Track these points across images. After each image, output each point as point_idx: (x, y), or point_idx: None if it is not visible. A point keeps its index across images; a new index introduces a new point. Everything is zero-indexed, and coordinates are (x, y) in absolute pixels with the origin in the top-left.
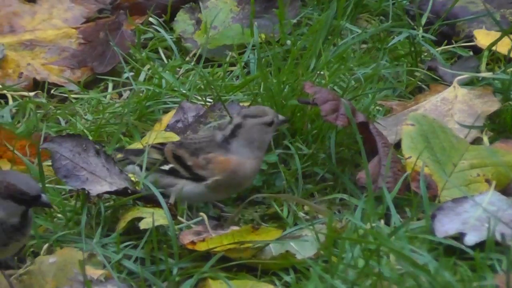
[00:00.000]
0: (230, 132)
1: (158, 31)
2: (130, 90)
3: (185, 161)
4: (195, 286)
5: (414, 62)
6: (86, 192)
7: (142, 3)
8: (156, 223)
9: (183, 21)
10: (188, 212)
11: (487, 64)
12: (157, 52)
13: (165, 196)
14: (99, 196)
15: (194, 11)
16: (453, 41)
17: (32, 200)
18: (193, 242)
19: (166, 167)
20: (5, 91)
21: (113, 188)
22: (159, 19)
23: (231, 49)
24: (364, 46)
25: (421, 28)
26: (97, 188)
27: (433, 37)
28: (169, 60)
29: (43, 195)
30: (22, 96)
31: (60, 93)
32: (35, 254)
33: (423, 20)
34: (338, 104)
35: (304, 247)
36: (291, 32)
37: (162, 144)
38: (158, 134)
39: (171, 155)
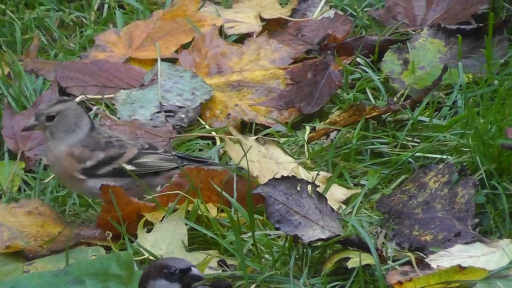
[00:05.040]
0: None
1: (366, 71)
2: (338, 131)
3: None
4: None
5: None
6: (299, 238)
7: (350, 43)
8: (363, 263)
9: (391, 61)
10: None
11: None
12: (364, 92)
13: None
14: (310, 244)
15: (401, 51)
16: None
17: (182, 273)
18: (400, 282)
19: None
20: (213, 133)
21: (326, 234)
22: (367, 59)
23: (438, 89)
24: None
25: None
26: (309, 233)
27: None
28: (377, 100)
29: (193, 268)
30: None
31: (266, 134)
32: None
33: None
34: None
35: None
36: (499, 72)
37: None
38: None
39: None
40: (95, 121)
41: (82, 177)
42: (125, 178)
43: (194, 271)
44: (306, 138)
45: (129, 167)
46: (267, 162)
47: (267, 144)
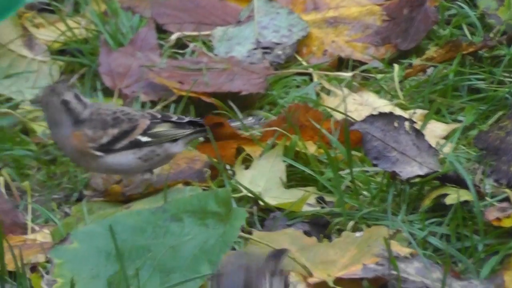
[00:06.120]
0: None
1: (462, 7)
2: (434, 67)
3: None
4: (500, 262)
5: None
6: (397, 175)
7: None
8: (461, 199)
9: None
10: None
11: None
12: (460, 28)
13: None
14: (408, 180)
15: None
16: None
17: None
18: (498, 219)
19: None
20: (310, 70)
21: (424, 170)
22: None
23: None
24: None
25: None
26: (407, 170)
27: None
28: (473, 36)
29: None
30: (327, 74)
31: (363, 70)
32: (340, 231)
33: None
34: None
35: None
36: None
37: None
38: None
39: None
40: (92, 102)
41: (99, 153)
42: (143, 149)
43: None
44: (397, 77)
45: (145, 139)
46: (363, 109)
47: (360, 91)
